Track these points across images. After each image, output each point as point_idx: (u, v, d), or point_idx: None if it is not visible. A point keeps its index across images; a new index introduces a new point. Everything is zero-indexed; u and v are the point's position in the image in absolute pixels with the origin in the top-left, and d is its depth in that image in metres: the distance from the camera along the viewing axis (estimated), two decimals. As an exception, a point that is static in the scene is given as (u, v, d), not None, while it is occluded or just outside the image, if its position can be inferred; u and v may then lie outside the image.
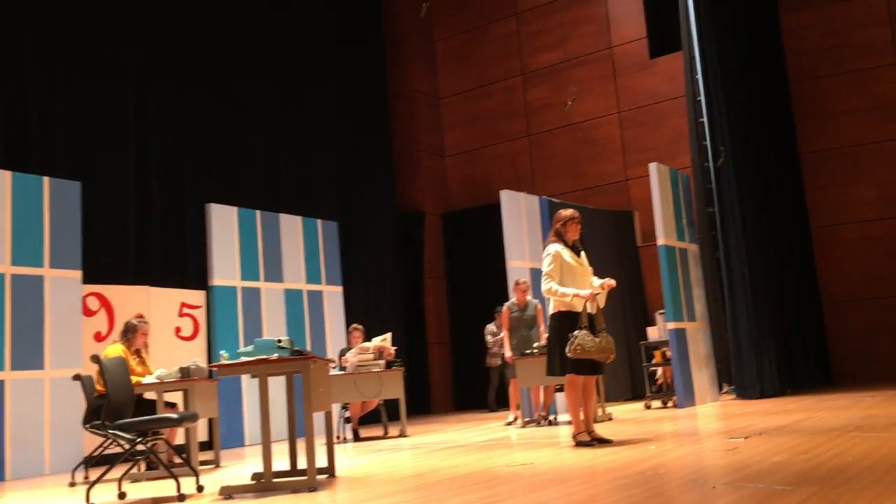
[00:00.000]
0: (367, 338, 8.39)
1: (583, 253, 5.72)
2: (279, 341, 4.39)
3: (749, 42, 10.37)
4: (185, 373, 6.07)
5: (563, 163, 12.76)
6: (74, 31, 8.69)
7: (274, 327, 9.27)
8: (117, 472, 4.92)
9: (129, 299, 8.12)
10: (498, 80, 13.48)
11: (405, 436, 7.93)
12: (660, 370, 9.68)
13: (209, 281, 8.79)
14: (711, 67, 9.24)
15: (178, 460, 5.83)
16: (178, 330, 8.72)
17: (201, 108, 9.98)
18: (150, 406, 5.91)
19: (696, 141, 9.50)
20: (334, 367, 7.65)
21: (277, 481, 4.51)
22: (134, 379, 5.54)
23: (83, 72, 8.72)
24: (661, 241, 8.88)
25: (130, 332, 6.14)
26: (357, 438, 8.09)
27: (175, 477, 4.43)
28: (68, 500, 5.12)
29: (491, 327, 9.80)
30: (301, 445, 5.03)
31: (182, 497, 4.31)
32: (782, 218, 10.43)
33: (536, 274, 9.56)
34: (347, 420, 8.36)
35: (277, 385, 4.89)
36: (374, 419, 9.04)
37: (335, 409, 8.60)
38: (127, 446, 4.47)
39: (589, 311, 5.43)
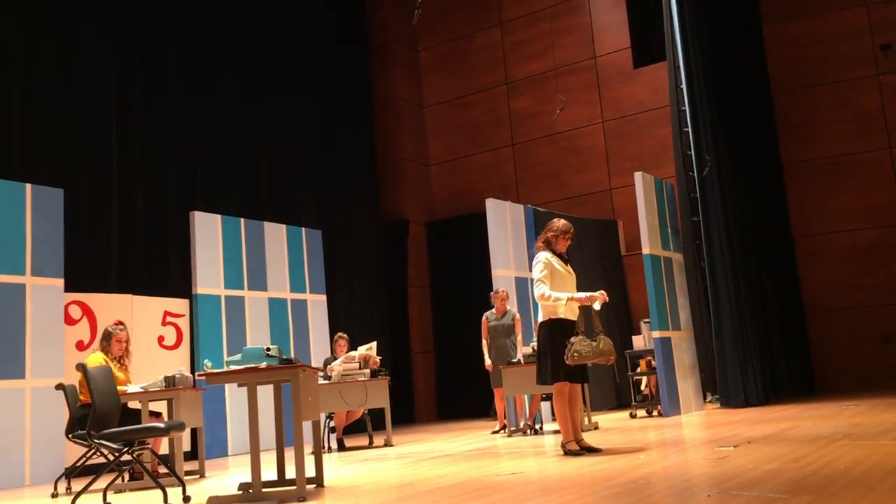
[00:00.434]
0: (352, 346, 8.34)
1: (569, 263, 5.73)
2: (268, 350, 4.34)
3: (733, 52, 10.47)
4: (171, 382, 6.00)
5: (547, 172, 12.79)
6: (57, 38, 8.61)
7: (258, 336, 9.19)
8: (101, 482, 4.85)
9: (112, 308, 8.03)
10: (483, 90, 13.50)
11: (390, 445, 7.88)
12: (645, 379, 9.70)
13: (193, 289, 8.70)
14: (696, 77, 9.31)
15: (163, 470, 5.75)
16: (161, 339, 8.63)
17: (185, 115, 9.90)
18: (135, 415, 5.83)
19: (680, 150, 9.56)
20: (320, 377, 7.59)
21: (266, 491, 4.46)
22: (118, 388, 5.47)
23: (66, 78, 8.63)
24: (646, 250, 8.91)
25: (106, 340, 6.04)
26: (342, 448, 8.03)
27: (162, 487, 4.36)
28: (50, 511, 5.03)
29: None
30: (289, 455, 4.98)
31: (169, 508, 4.24)
32: (766, 227, 10.51)
33: (521, 283, 9.59)
34: (332, 429, 8.29)
35: (263, 394, 4.84)
36: (359, 429, 8.98)
37: (321, 417, 8.54)
38: (112, 457, 4.40)
39: (596, 309, 5.44)
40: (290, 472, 4.68)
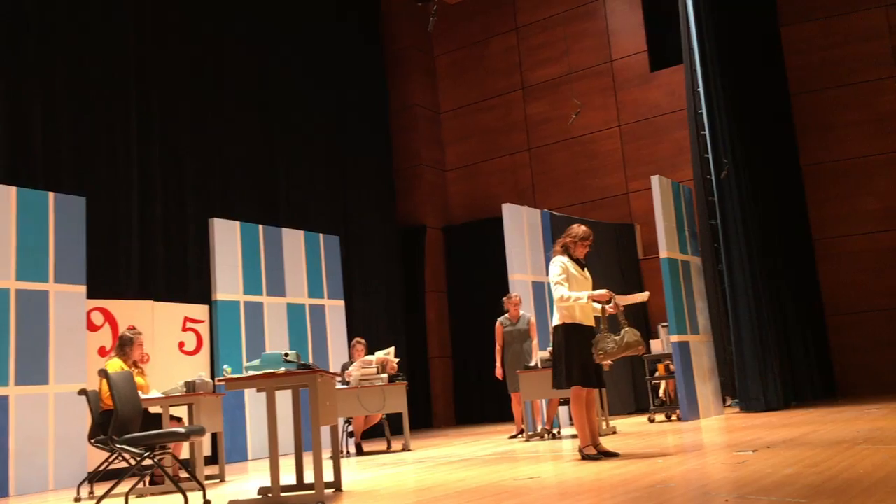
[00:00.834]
0: (370, 351, 8.39)
1: (586, 268, 5.73)
2: (286, 355, 4.38)
3: (750, 55, 10.43)
4: (191, 387, 6.06)
5: (563, 176, 12.79)
6: (77, 48, 8.72)
7: (276, 341, 9.26)
8: (123, 486, 4.90)
9: (133, 314, 8.12)
10: (498, 95, 13.53)
11: (408, 450, 7.91)
12: (663, 383, 9.66)
13: (212, 295, 8.79)
14: (713, 80, 9.28)
15: (184, 475, 5.81)
16: (181, 344, 8.71)
17: (203, 123, 10.01)
18: (155, 420, 5.89)
19: (697, 153, 9.53)
20: (338, 381, 7.63)
21: (285, 496, 4.49)
22: (139, 381, 5.53)
23: (86, 88, 8.75)
24: (663, 254, 8.89)
25: (127, 345, 6.09)
26: (360, 452, 8.07)
27: (183, 491, 4.41)
28: (73, 515, 5.09)
29: None
30: (307, 459, 5.02)
31: (189, 512, 4.29)
32: (784, 230, 10.45)
33: (538, 287, 9.59)
34: (350, 434, 8.33)
35: (281, 399, 4.88)
36: (377, 433, 9.01)
37: (339, 422, 8.59)
38: (134, 461, 4.45)
39: (610, 311, 5.44)
40: (309, 477, 4.72)
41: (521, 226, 9.72)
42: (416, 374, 12.30)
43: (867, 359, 10.46)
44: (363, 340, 8.54)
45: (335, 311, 10.28)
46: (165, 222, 9.34)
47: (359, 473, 6.11)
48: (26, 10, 8.31)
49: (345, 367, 8.24)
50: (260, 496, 4.65)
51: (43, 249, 7.23)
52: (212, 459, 7.71)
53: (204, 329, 8.95)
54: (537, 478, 4.73)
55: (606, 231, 11.37)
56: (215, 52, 10.37)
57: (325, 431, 7.05)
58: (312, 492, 4.45)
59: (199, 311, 8.97)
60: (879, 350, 10.40)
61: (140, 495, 5.58)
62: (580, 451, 5.52)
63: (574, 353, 5.39)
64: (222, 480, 6.47)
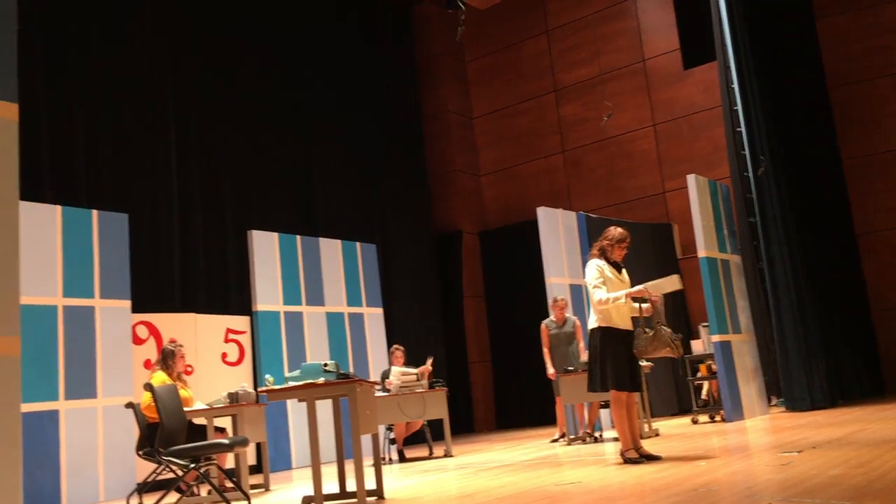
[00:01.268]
0: (409, 358, 8.44)
1: (623, 270, 5.70)
2: (325, 365, 4.43)
3: (785, 49, 10.29)
4: (234, 398, 6.16)
5: (598, 178, 12.73)
6: (116, 71, 8.93)
7: (317, 350, 9.35)
8: (171, 497, 5.00)
9: (177, 327, 8.26)
10: (531, 98, 13.52)
11: (450, 455, 7.93)
12: (706, 384, 9.56)
13: (253, 306, 8.91)
14: (747, 76, 9.18)
15: (229, 485, 5.90)
16: (224, 356, 8.84)
17: (240, 138, 10.17)
18: (200, 431, 6.00)
19: (734, 151, 9.42)
20: (378, 389, 7.68)
21: (328, 504, 4.55)
22: (184, 393, 5.63)
23: (126, 109, 8.95)
24: (702, 253, 8.80)
25: (169, 358, 6.20)
26: (403, 459, 8.11)
27: (228, 501, 4.48)
28: (124, 526, 5.20)
29: None
30: (349, 467, 5.07)
31: (235, 522, 4.36)
32: (826, 225, 10.27)
33: (576, 290, 9.55)
34: (392, 441, 8.39)
35: (323, 408, 4.94)
36: (419, 440, 9.05)
37: (380, 430, 8.64)
38: (180, 472, 4.54)
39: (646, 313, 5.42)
40: (352, 485, 4.77)
41: (556, 229, 9.70)
42: (456, 380, 12.32)
43: (916, 354, 10.23)
44: (402, 347, 8.59)
45: (374, 318, 10.35)
46: (206, 236, 9.50)
47: (401, 481, 6.15)
48: (68, 33, 8.53)
49: (384, 375, 8.29)
50: (304, 505, 4.71)
51: (88, 266, 7.40)
52: (256, 469, 7.81)
53: (246, 340, 9.08)
54: (579, 482, 4.72)
55: (643, 232, 11.27)
56: (249, 67, 10.53)
57: (366, 439, 7.12)
58: (355, 500, 4.50)
59: (241, 322, 9.10)
60: (929, 345, 10.16)
61: (187, 505, 5.68)
62: (622, 454, 5.49)
63: (609, 356, 5.37)
64: (267, 490, 6.55)
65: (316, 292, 9.66)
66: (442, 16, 13.67)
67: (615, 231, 5.67)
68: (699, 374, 9.27)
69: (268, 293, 9.02)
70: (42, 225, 7.08)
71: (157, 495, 4.92)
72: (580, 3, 13.08)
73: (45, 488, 6.64)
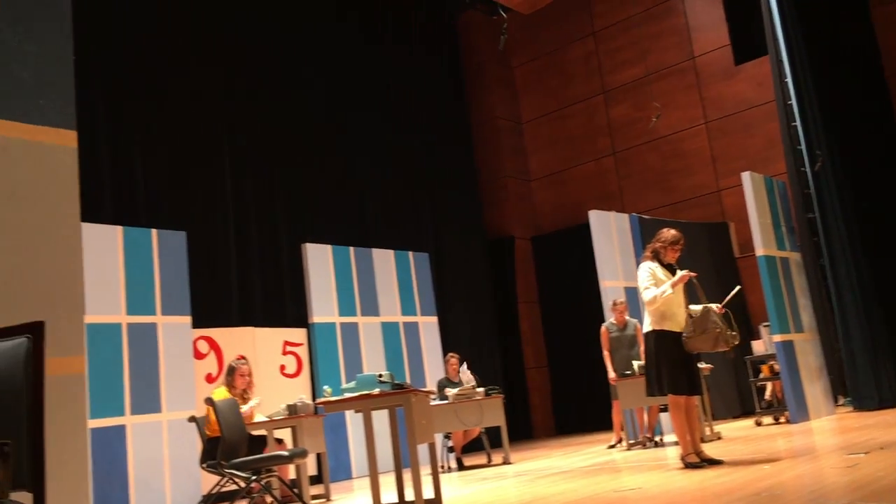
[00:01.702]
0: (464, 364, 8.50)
1: (678, 272, 5.62)
2: (380, 376, 4.48)
3: (839, 39, 10.02)
4: (293, 410, 6.25)
5: (651, 178, 12.59)
6: (171, 92, 9.18)
7: (373, 361, 9.43)
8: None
9: (236, 341, 8.43)
10: (580, 101, 13.44)
11: (509, 463, 7.92)
12: (769, 385, 9.35)
13: (309, 318, 9.03)
14: (801, 69, 8.98)
15: (290, 495, 5.99)
16: (282, 368, 8.98)
17: (290, 152, 10.35)
18: (260, 442, 6.10)
19: (790, 146, 9.22)
20: (434, 398, 7.71)
21: (387, 514, 4.59)
22: (244, 408, 5.75)
23: (181, 129, 9.19)
24: (759, 252, 8.63)
25: (230, 375, 6.36)
26: (461, 467, 8.12)
27: (289, 512, 4.56)
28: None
29: None
30: (407, 477, 5.10)
31: (297, 532, 4.43)
32: (890, 219, 9.95)
33: (631, 293, 9.44)
34: (451, 449, 8.40)
35: (381, 417, 4.99)
36: (478, 447, 9.05)
37: (438, 438, 8.67)
38: (243, 484, 4.63)
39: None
40: (410, 494, 4.80)
41: (609, 231, 9.61)
42: (513, 386, 12.30)
43: None
44: (457, 355, 8.62)
45: (429, 327, 10.40)
46: (261, 251, 9.68)
47: (460, 489, 6.16)
48: (126, 62, 8.81)
49: (441, 383, 8.32)
50: (363, 515, 4.76)
51: (149, 284, 7.60)
52: (318, 479, 7.91)
53: (303, 352, 9.20)
54: (639, 489, 4.67)
55: (699, 231, 11.10)
56: (298, 85, 10.69)
57: (424, 448, 7.16)
58: (413, 509, 4.52)
59: (298, 334, 9.24)
60: None
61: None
62: (682, 459, 5.42)
63: (664, 359, 5.30)
64: (328, 500, 6.63)
65: (370, 303, 9.75)
66: (488, 23, 13.70)
67: (668, 233, 5.61)
68: (761, 375, 9.07)
69: (323, 305, 9.14)
70: (104, 245, 7.30)
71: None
72: (626, 3, 12.97)
73: (115, 501, 6.83)
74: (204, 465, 5.26)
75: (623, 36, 13.03)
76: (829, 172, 8.80)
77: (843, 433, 6.66)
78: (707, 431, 7.68)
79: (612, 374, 8.05)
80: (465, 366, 8.27)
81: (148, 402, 7.32)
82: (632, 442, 8.03)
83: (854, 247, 8.74)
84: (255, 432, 6.22)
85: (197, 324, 8.02)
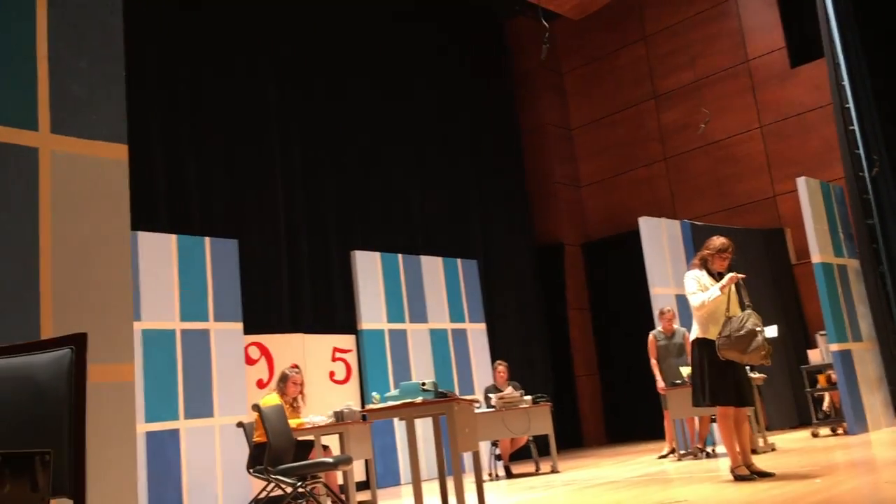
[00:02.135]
0: (511, 373, 8.47)
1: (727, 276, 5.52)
2: (423, 384, 4.50)
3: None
4: (339, 416, 6.32)
5: (703, 184, 12.39)
6: (224, 104, 9.38)
7: (421, 367, 9.47)
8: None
9: (286, 347, 8.56)
10: (630, 106, 13.31)
11: (557, 471, 7.86)
12: (827, 395, 9.11)
13: (358, 325, 9.12)
14: (858, 71, 8.75)
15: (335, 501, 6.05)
16: (332, 374, 9.08)
17: (342, 162, 10.47)
18: (307, 447, 6.17)
19: (847, 150, 8.99)
20: (478, 407, 7.70)
21: (431, 522, 4.60)
22: (292, 423, 5.83)
23: (234, 139, 9.38)
24: (816, 259, 8.43)
25: (283, 382, 6.46)
26: (509, 475, 8.09)
27: (334, 518, 4.61)
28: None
29: None
30: (451, 485, 5.11)
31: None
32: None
33: (682, 300, 9.29)
34: (498, 457, 8.38)
35: (428, 424, 5.00)
36: (526, 455, 9.01)
37: (486, 446, 8.66)
38: (289, 490, 4.70)
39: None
40: (454, 502, 4.80)
41: (659, 238, 9.49)
42: (562, 394, 12.21)
43: None
44: (504, 362, 8.60)
45: (477, 334, 10.40)
46: (311, 258, 9.81)
47: (507, 497, 6.15)
48: (180, 72, 9.04)
49: (489, 391, 8.31)
50: (407, 522, 4.78)
51: (202, 291, 7.77)
52: (366, 485, 7.97)
53: (352, 358, 9.29)
54: (686, 501, 4.60)
55: (753, 238, 10.89)
56: (347, 93, 10.81)
57: (470, 456, 7.16)
58: (457, 517, 4.53)
59: (347, 341, 9.33)
60: None
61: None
62: (732, 471, 5.31)
63: (709, 369, 5.21)
64: (375, 505, 6.68)
65: (419, 309, 9.80)
66: (538, 29, 13.64)
67: (716, 241, 5.53)
68: (818, 386, 8.84)
69: (372, 312, 9.22)
70: (159, 253, 7.49)
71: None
72: (678, 6, 12.80)
73: (169, 503, 6.99)
74: (251, 471, 5.35)
75: (674, 40, 12.86)
76: (888, 177, 8.55)
77: (903, 446, 6.46)
78: (760, 443, 7.52)
79: (660, 384, 7.94)
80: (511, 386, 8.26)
81: (201, 406, 7.47)
82: (683, 452, 7.90)
83: (915, 254, 8.47)
84: (301, 438, 6.29)
85: (248, 330, 8.16)
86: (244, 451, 7.19)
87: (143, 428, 6.94)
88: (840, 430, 8.45)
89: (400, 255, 9.80)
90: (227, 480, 7.42)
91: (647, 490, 5.41)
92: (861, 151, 8.72)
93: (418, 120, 11.67)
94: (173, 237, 7.72)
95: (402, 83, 11.61)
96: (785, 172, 11.40)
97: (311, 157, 10.15)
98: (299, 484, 4.59)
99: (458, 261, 10.47)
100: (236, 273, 8.05)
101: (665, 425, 8.32)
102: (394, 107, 11.40)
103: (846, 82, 8.82)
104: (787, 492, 4.43)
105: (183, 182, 8.82)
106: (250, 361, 8.29)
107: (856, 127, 8.75)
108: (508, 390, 8.07)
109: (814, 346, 9.19)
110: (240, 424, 5.48)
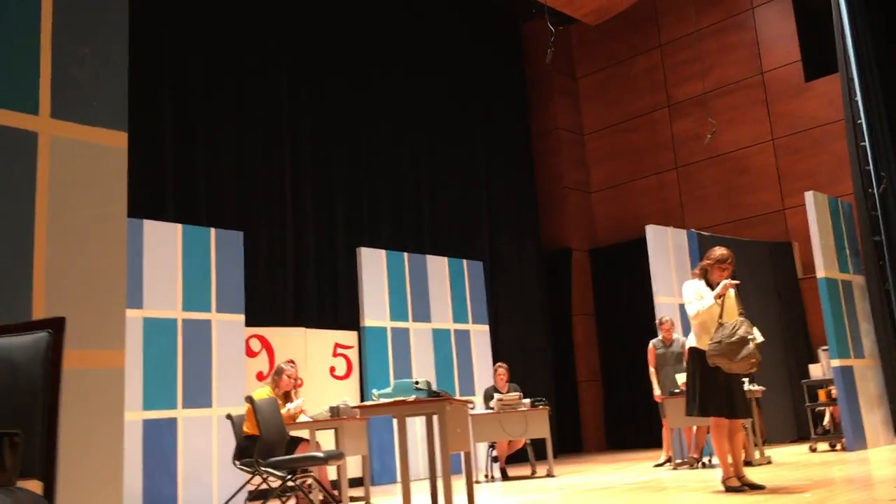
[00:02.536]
0: (512, 376, 8.46)
1: (732, 291, 5.49)
2: (416, 383, 4.51)
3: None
4: (335, 412, 6.34)
5: (713, 194, 12.35)
6: (234, 96, 9.43)
7: (422, 366, 9.48)
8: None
9: (288, 341, 8.58)
10: (643, 114, 13.28)
11: (552, 475, 7.87)
12: (828, 411, 9.07)
13: (361, 322, 9.14)
14: (872, 87, 8.69)
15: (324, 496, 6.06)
16: (332, 369, 9.11)
17: (353, 159, 10.50)
18: (296, 443, 6.19)
19: (857, 166, 8.93)
20: (472, 408, 7.71)
21: (418, 520, 4.61)
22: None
23: (243, 131, 9.42)
24: (820, 274, 8.39)
25: (277, 375, 6.47)
26: (505, 477, 8.10)
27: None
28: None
29: None
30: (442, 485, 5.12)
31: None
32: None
33: (684, 309, 9.28)
34: (495, 459, 8.39)
35: (424, 423, 5.01)
36: (523, 458, 9.01)
37: (483, 447, 8.67)
38: (278, 483, 4.72)
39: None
40: (443, 503, 4.81)
41: (665, 247, 9.47)
42: (564, 399, 12.20)
43: None
44: (505, 364, 8.60)
45: (480, 335, 10.40)
46: (317, 253, 9.84)
47: (500, 499, 6.15)
48: (191, 68, 9.08)
49: (488, 392, 8.32)
50: (396, 519, 4.80)
51: (206, 281, 7.80)
52: (361, 481, 7.98)
53: (353, 354, 9.31)
54: (674, 510, 4.59)
55: (760, 250, 10.85)
56: (359, 88, 10.83)
57: (463, 457, 7.16)
58: (444, 517, 4.54)
59: (349, 337, 9.35)
60: None
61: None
62: (723, 482, 5.30)
63: (702, 379, 5.20)
64: (367, 502, 6.69)
65: (422, 309, 9.81)
66: (550, 32, 13.63)
67: (716, 251, 5.51)
68: (818, 400, 8.80)
69: (375, 309, 9.24)
70: (164, 242, 7.53)
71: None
72: (694, 16, 12.76)
73: (164, 492, 7.02)
74: (237, 463, 5.38)
75: (690, 49, 12.82)
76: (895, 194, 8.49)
77: (900, 465, 6.42)
78: (757, 455, 7.49)
79: (657, 392, 7.94)
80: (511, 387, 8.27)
81: (199, 396, 7.50)
82: (679, 461, 7.88)
83: (922, 272, 8.41)
84: (297, 433, 6.31)
85: (250, 322, 8.19)
86: (240, 443, 7.24)
87: (140, 416, 6.98)
88: (838, 446, 8.41)
89: (406, 254, 9.81)
90: (221, 471, 7.44)
91: (640, 497, 5.41)
92: (871, 168, 8.66)
93: (428, 119, 11.68)
94: (179, 227, 7.75)
95: (415, 80, 11.61)
96: (795, 186, 11.34)
97: (321, 151, 10.18)
98: (289, 477, 4.61)
99: (464, 261, 10.48)
100: (240, 265, 8.08)
101: (663, 434, 8.31)
102: (407, 104, 11.41)
103: (859, 97, 8.77)
104: (776, 505, 4.42)
105: (191, 172, 8.86)
106: (251, 354, 8.32)
107: (867, 143, 8.69)
108: (508, 393, 8.07)
109: (815, 360, 9.15)
110: (228, 416, 5.50)
